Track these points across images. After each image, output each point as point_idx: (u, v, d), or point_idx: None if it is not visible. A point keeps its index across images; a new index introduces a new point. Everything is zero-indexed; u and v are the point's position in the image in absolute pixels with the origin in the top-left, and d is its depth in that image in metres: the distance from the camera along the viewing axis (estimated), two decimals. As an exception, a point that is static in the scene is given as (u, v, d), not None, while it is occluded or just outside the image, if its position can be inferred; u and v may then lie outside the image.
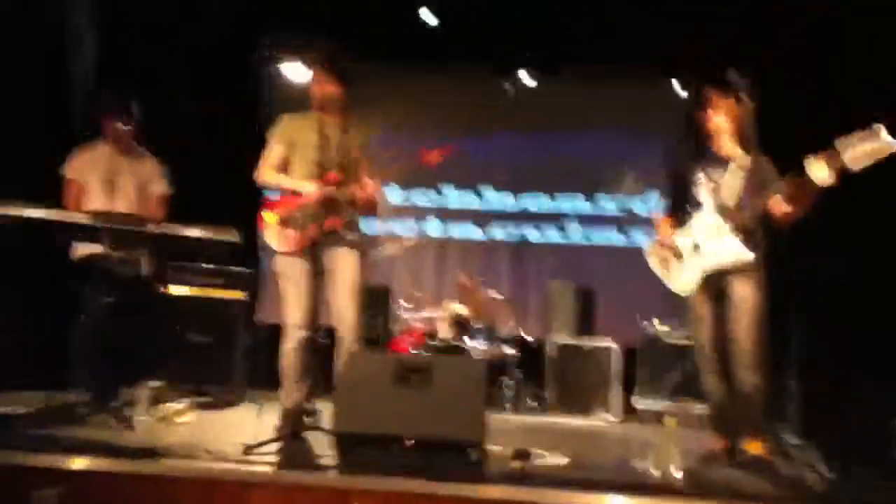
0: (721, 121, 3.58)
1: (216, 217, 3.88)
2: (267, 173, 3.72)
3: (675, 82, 7.06)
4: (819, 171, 3.05)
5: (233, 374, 5.20)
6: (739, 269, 3.50)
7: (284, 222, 3.61)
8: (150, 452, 2.89)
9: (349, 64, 3.73)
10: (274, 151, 3.72)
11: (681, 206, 3.77)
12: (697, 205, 3.65)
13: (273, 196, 3.75)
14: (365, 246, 3.81)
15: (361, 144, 3.77)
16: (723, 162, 3.61)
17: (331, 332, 3.74)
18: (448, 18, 6.47)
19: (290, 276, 3.62)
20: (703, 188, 3.63)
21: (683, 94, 7.08)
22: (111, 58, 5.78)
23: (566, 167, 7.63)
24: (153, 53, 5.86)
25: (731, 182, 3.55)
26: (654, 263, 3.88)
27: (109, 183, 4.19)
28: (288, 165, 3.72)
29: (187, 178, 4.64)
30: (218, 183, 5.94)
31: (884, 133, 2.90)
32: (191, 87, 6.17)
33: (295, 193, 3.63)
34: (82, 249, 4.11)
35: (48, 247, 4.16)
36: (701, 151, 3.71)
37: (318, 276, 3.62)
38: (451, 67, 6.98)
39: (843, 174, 3.04)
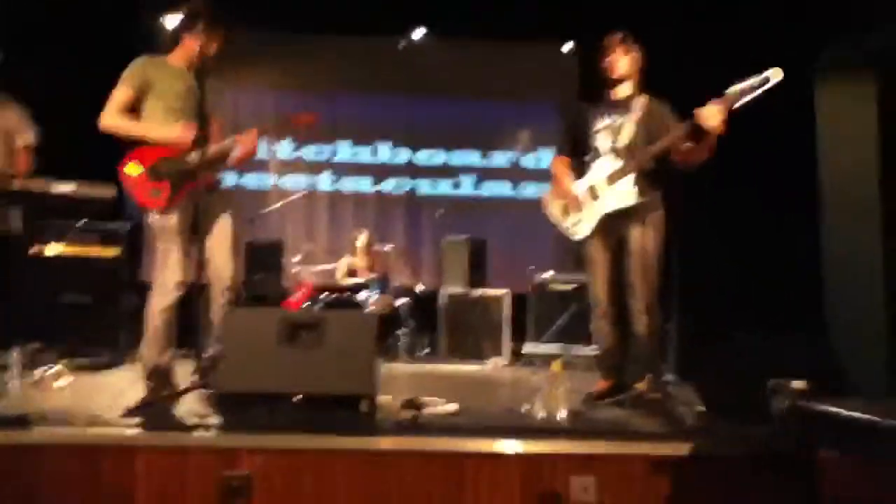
0: (625, 64, 3.55)
1: (93, 171, 3.66)
2: (114, 116, 3.35)
3: (564, 47, 7.41)
4: (709, 117, 3.16)
5: (115, 334, 4.99)
6: (636, 212, 3.46)
7: (155, 175, 3.34)
8: (23, 420, 2.74)
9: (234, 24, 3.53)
10: (122, 93, 3.36)
11: (579, 156, 3.70)
12: (595, 152, 3.60)
13: (137, 146, 3.37)
14: (238, 199, 3.68)
15: (215, 103, 3.52)
16: (620, 107, 3.58)
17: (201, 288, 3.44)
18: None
19: (167, 234, 3.36)
20: (600, 134, 3.58)
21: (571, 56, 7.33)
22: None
23: (461, 126, 7.71)
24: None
25: (628, 125, 3.52)
26: (552, 212, 3.77)
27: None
28: (139, 110, 3.40)
29: (62, 129, 4.37)
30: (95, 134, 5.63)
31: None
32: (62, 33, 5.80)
33: (155, 142, 3.34)
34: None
35: None
36: (598, 99, 3.67)
37: (193, 233, 3.37)
38: (346, 24, 6.95)
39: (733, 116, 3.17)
